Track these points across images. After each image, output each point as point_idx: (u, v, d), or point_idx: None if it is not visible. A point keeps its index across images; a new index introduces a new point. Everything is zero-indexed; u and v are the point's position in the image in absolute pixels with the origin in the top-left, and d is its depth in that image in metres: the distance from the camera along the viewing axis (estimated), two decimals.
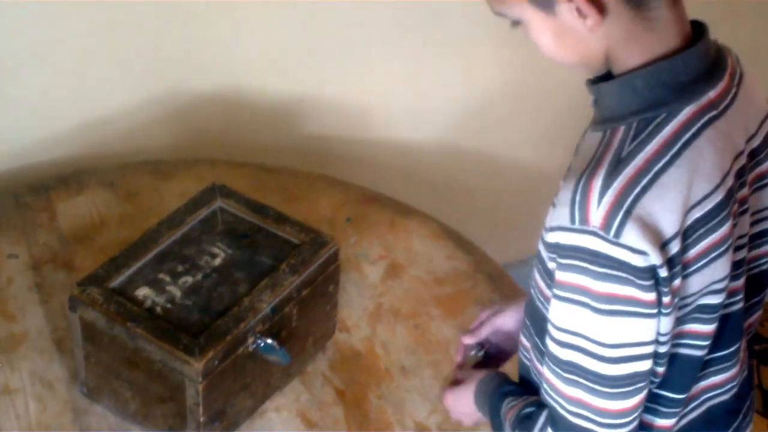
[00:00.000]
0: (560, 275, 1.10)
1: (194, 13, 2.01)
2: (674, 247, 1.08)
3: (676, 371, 1.20)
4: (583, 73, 1.18)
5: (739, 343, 1.28)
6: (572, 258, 1.08)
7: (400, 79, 2.26)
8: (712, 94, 1.12)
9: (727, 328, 1.24)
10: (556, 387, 1.15)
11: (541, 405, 1.21)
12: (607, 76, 1.16)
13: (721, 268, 1.14)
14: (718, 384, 1.28)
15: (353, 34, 2.16)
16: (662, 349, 1.14)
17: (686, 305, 1.15)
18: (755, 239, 1.27)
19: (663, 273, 1.07)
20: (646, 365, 1.12)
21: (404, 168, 2.36)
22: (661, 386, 1.21)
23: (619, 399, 1.12)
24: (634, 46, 1.10)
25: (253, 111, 2.18)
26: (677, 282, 1.10)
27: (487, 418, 1.34)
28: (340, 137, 2.29)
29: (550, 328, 1.15)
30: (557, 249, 1.10)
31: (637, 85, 1.11)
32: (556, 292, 1.12)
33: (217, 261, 1.60)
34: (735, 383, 1.30)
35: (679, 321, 1.16)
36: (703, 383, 1.27)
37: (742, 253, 1.23)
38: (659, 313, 1.09)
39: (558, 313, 1.13)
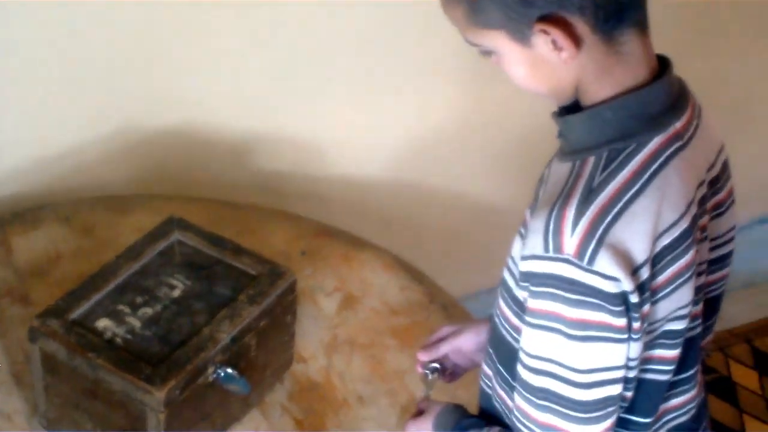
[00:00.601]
0: (533, 303, 1.13)
1: (151, 48, 2.04)
2: (644, 274, 1.11)
3: (643, 396, 1.24)
4: (548, 103, 1.22)
5: (697, 365, 1.32)
6: (545, 285, 1.11)
7: (352, 115, 2.31)
8: (678, 125, 1.17)
9: (690, 352, 1.29)
10: (528, 414, 1.18)
11: None
12: (572, 108, 1.20)
13: (686, 294, 1.19)
14: (679, 405, 1.32)
15: (308, 71, 2.20)
16: (631, 374, 1.18)
17: (653, 330, 1.19)
18: (712, 264, 1.33)
19: (634, 299, 1.11)
20: (617, 389, 1.15)
21: (357, 202, 2.40)
22: (628, 411, 1.24)
23: (592, 423, 1.15)
24: (605, 78, 1.14)
25: (209, 146, 2.21)
26: (647, 308, 1.13)
27: None
28: (294, 173, 2.33)
29: (522, 355, 1.18)
30: (530, 277, 1.13)
31: (607, 117, 1.15)
32: (529, 319, 1.15)
33: (176, 292, 1.63)
34: (694, 404, 1.34)
35: (646, 346, 1.20)
36: (666, 405, 1.30)
37: (702, 279, 1.28)
38: (629, 339, 1.13)
39: (531, 341, 1.16)
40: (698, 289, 1.25)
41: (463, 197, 2.56)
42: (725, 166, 1.31)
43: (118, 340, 1.54)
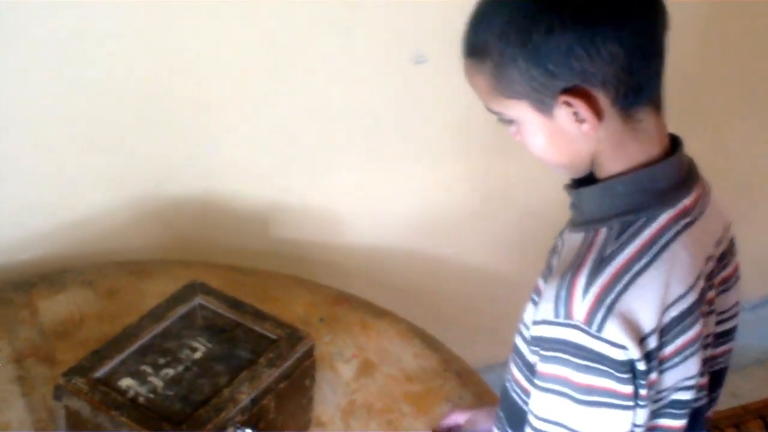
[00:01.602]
0: (542, 367, 1.18)
1: (172, 118, 2.12)
2: (652, 343, 1.16)
3: None
4: (559, 177, 1.28)
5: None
6: (555, 350, 1.16)
7: (366, 184, 2.38)
8: (687, 201, 1.22)
9: (696, 423, 1.33)
10: None
11: None
12: (585, 181, 1.26)
13: (693, 366, 1.23)
14: None
15: (325, 142, 2.28)
16: None
17: (660, 399, 1.24)
18: (719, 338, 1.37)
19: (641, 366, 1.15)
20: None
21: (372, 270, 2.46)
22: None
23: None
24: (620, 153, 1.20)
25: (227, 214, 2.28)
26: (653, 376, 1.18)
27: None
28: (311, 241, 2.39)
29: (530, 417, 1.22)
30: (540, 342, 1.18)
31: (619, 190, 1.21)
32: (538, 382, 1.19)
33: (198, 354, 1.68)
34: None
35: (653, 415, 1.25)
36: None
37: (708, 351, 1.32)
38: (636, 405, 1.17)
39: (539, 403, 1.20)
40: (704, 362, 1.30)
41: (475, 268, 2.61)
42: (732, 243, 1.36)
43: (141, 398, 1.58)
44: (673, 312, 1.19)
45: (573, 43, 1.13)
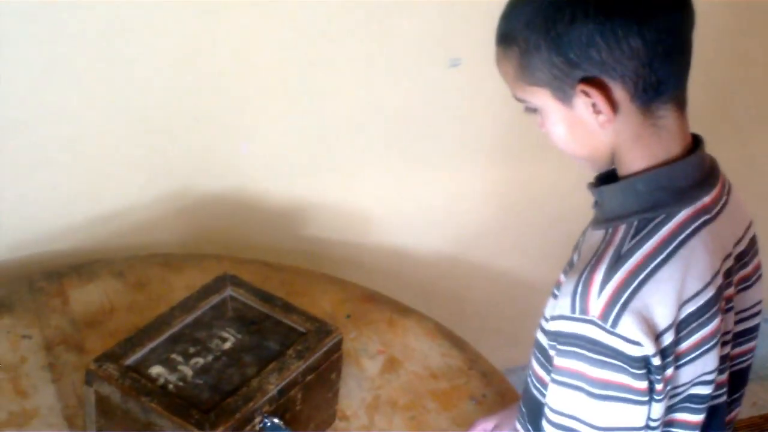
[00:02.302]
0: (558, 361, 1.20)
1: (207, 115, 2.15)
2: (668, 338, 1.17)
3: None
4: (587, 170, 1.30)
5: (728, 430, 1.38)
6: (571, 345, 1.18)
7: (396, 187, 2.40)
8: (706, 199, 1.24)
9: (714, 419, 1.34)
10: None
11: None
12: (607, 179, 1.28)
13: (711, 361, 1.24)
14: None
15: (354, 143, 2.30)
16: None
17: (677, 394, 1.25)
18: (738, 337, 1.38)
19: (656, 362, 1.17)
20: None
21: (399, 271, 2.47)
22: None
23: None
24: (639, 150, 1.21)
25: (257, 211, 2.31)
26: (669, 371, 1.19)
27: None
28: (339, 240, 2.41)
29: (546, 410, 1.24)
30: (557, 336, 1.20)
31: (639, 188, 1.22)
32: (554, 376, 1.21)
33: (227, 345, 1.70)
34: None
35: (670, 409, 1.26)
36: None
37: (726, 349, 1.33)
38: (650, 400, 1.18)
39: (555, 397, 1.22)
40: (723, 359, 1.31)
41: (500, 272, 2.63)
42: (753, 241, 1.37)
43: (171, 386, 1.60)
44: (691, 307, 1.20)
45: (594, 33, 1.15)
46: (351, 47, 2.16)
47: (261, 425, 1.61)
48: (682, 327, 1.19)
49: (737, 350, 1.39)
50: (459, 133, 2.37)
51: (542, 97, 1.23)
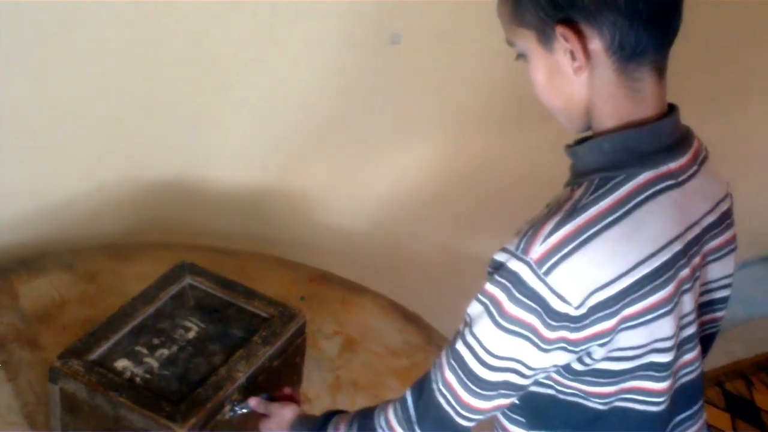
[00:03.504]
0: (487, 285, 1.21)
1: (151, 103, 2.10)
2: (602, 295, 1.17)
3: (635, 425, 1.30)
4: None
5: (697, 404, 1.39)
6: (502, 277, 1.19)
7: (341, 167, 2.38)
8: (672, 165, 1.24)
9: (687, 392, 1.35)
10: (442, 365, 1.28)
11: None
12: (583, 142, 1.29)
13: (667, 327, 1.24)
14: None
15: (303, 126, 2.28)
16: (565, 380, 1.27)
17: (634, 357, 1.25)
18: (705, 307, 1.39)
19: (578, 318, 1.17)
20: (520, 380, 1.23)
21: (346, 250, 2.46)
22: None
23: (483, 399, 1.25)
24: (611, 108, 1.22)
25: (206, 197, 2.27)
26: (597, 328, 1.19)
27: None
28: (286, 223, 2.38)
29: (464, 314, 1.26)
30: (496, 264, 1.21)
31: (605, 147, 1.23)
32: (478, 294, 1.23)
33: (191, 334, 1.67)
34: None
35: (629, 376, 1.26)
36: None
37: (694, 327, 1.32)
38: (554, 350, 1.20)
39: (471, 309, 1.24)
40: (692, 337, 1.32)
41: (446, 244, 2.63)
42: (725, 214, 1.36)
43: (138, 379, 1.57)
44: (644, 269, 1.20)
45: None
46: (294, 32, 2.13)
47: (231, 414, 1.58)
48: (634, 288, 1.19)
49: (702, 319, 1.40)
50: (402, 110, 2.36)
51: (528, 41, 1.24)
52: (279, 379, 1.69)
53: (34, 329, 1.89)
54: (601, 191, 1.21)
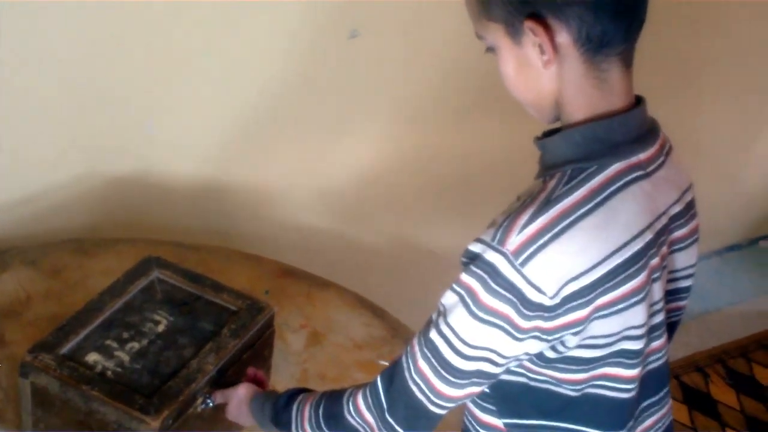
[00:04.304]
0: (463, 276, 1.25)
1: (112, 98, 2.13)
2: (577, 285, 1.22)
3: (605, 411, 1.35)
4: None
5: (666, 388, 1.46)
6: (478, 268, 1.23)
7: (301, 161, 2.43)
8: (642, 156, 1.29)
9: (654, 379, 1.41)
10: (414, 354, 1.31)
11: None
12: (552, 134, 1.34)
13: (639, 315, 1.29)
14: (650, 426, 1.45)
15: (259, 120, 2.32)
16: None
17: (606, 345, 1.30)
18: (670, 294, 1.46)
19: (553, 307, 1.22)
20: (492, 369, 1.27)
21: (313, 245, 2.51)
22: (596, 426, 1.36)
23: (456, 388, 1.29)
24: (581, 100, 1.26)
25: (167, 192, 2.30)
26: (571, 317, 1.24)
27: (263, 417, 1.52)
28: (248, 217, 2.43)
29: (437, 306, 1.30)
30: (471, 255, 1.25)
31: (576, 138, 1.27)
32: (453, 284, 1.27)
33: (161, 327, 1.71)
34: (661, 425, 1.47)
35: (600, 363, 1.32)
36: (641, 426, 1.43)
37: (662, 315, 1.38)
38: (527, 339, 1.24)
39: (445, 299, 1.28)
40: (659, 325, 1.37)
41: (406, 239, 2.69)
42: (690, 205, 1.42)
43: (109, 373, 1.61)
44: (618, 259, 1.25)
45: None
46: (253, 23, 2.17)
47: (203, 406, 1.63)
48: (608, 278, 1.24)
49: (668, 306, 1.46)
50: (362, 103, 2.41)
51: (497, 34, 1.27)
52: (247, 374, 1.73)
53: (0, 325, 1.91)
54: (573, 182, 1.25)
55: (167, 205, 2.31)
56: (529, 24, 1.23)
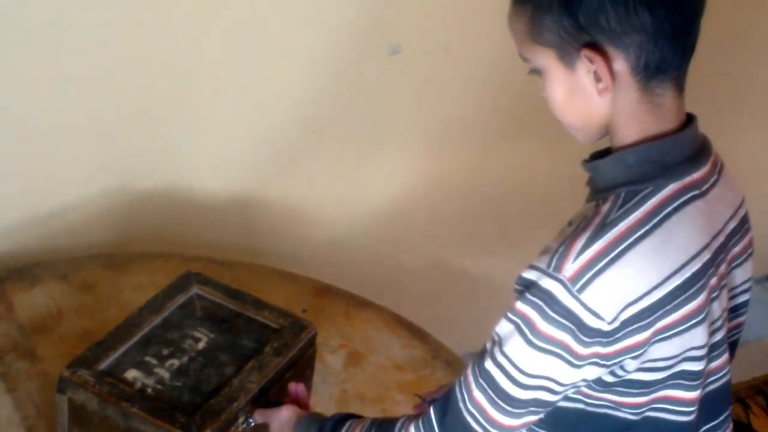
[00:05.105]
0: (518, 304, 1.28)
1: (144, 112, 2.16)
2: (636, 308, 1.24)
3: None
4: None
5: (727, 411, 1.46)
6: (535, 296, 1.25)
7: (339, 178, 2.45)
8: (696, 175, 1.31)
9: (714, 400, 1.42)
10: (469, 384, 1.32)
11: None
12: (601, 156, 1.36)
13: (699, 336, 1.32)
14: None
15: (297, 136, 2.34)
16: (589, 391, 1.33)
17: (666, 368, 1.32)
18: (730, 313, 1.48)
19: (611, 332, 1.24)
20: (550, 397, 1.29)
21: (352, 263, 2.53)
22: None
23: (513, 417, 1.31)
24: (633, 124, 1.29)
25: (199, 207, 2.33)
26: (630, 341, 1.26)
27: None
28: (283, 234, 2.45)
29: (491, 335, 1.32)
30: (526, 283, 1.27)
31: (629, 161, 1.29)
32: (508, 313, 1.29)
33: (201, 344, 1.73)
34: None
35: (661, 385, 1.35)
36: None
37: (723, 332, 1.40)
38: (586, 365, 1.26)
39: (500, 328, 1.30)
40: (720, 343, 1.39)
41: (443, 259, 2.71)
42: (744, 219, 1.45)
43: (149, 390, 1.63)
44: (676, 281, 1.27)
45: (606, 1, 1.22)
46: (293, 39, 2.20)
47: (244, 425, 1.64)
48: (667, 300, 1.26)
49: (728, 325, 1.48)
50: (400, 121, 2.44)
51: (547, 59, 1.29)
52: (288, 392, 1.75)
53: (32, 340, 1.94)
54: (628, 205, 1.27)
55: (199, 221, 2.33)
56: (586, 53, 1.25)
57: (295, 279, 2.21)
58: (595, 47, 1.24)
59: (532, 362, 1.26)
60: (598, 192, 1.33)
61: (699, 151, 1.34)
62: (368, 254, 2.56)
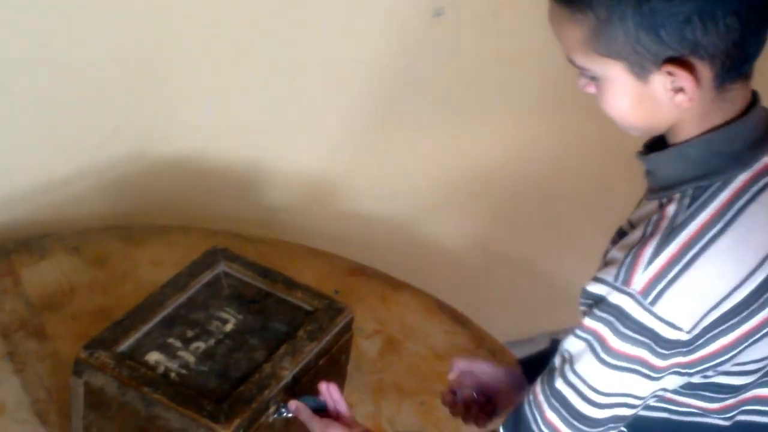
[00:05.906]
0: (587, 321, 1.23)
1: (160, 77, 2.09)
2: (717, 313, 1.19)
3: None
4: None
5: None
6: (604, 312, 1.21)
7: (374, 150, 2.38)
8: (766, 159, 1.25)
9: None
10: (540, 405, 1.28)
11: None
12: (655, 146, 1.28)
13: None
14: None
15: (329, 103, 2.28)
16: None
17: (756, 371, 1.27)
18: None
19: (691, 341, 1.19)
20: (628, 412, 1.25)
21: (377, 243, 2.46)
22: None
23: None
24: (700, 122, 1.22)
25: (217, 178, 2.26)
26: (714, 346, 1.21)
27: None
28: (310, 208, 2.38)
29: (560, 352, 1.27)
30: (594, 298, 1.22)
31: (691, 155, 1.23)
32: (577, 330, 1.24)
33: (229, 326, 1.66)
34: None
35: (753, 385, 1.28)
36: None
37: None
38: (664, 376, 1.22)
39: (570, 346, 1.25)
40: None
41: (485, 242, 2.64)
42: None
43: (173, 374, 1.56)
44: (761, 276, 1.21)
45: (692, 13, 1.14)
46: (324, 8, 2.14)
47: (275, 415, 1.58)
48: (753, 298, 1.21)
49: None
50: (442, 89, 2.36)
51: (612, 69, 1.21)
52: (324, 380, 1.68)
53: (41, 318, 1.88)
54: (697, 203, 1.22)
55: (221, 192, 2.27)
56: (668, 68, 1.17)
57: (326, 257, 2.15)
58: (678, 61, 1.17)
59: (607, 381, 1.23)
60: (659, 190, 1.27)
61: (766, 132, 1.26)
62: (404, 233, 2.49)
